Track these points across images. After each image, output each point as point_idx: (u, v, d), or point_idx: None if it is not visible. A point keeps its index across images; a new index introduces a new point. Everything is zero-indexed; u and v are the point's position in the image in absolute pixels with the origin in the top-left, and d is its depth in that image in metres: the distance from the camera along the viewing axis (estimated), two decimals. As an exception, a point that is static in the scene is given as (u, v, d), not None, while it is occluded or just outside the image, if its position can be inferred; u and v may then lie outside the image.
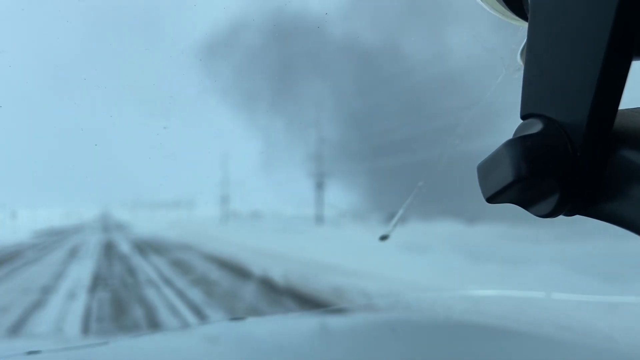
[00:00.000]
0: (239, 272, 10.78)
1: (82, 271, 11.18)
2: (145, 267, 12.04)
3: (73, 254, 15.85)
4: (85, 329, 6.03)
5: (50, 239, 23.33)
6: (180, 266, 12.19)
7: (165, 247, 17.90)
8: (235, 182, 39.60)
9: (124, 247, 18.58)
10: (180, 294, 8.04)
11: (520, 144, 0.32)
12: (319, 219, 28.39)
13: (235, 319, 1.52)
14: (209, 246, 17.45)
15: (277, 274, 9.99)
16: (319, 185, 29.57)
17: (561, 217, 0.33)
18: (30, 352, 1.10)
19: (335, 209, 29.46)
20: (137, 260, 13.63)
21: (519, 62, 0.44)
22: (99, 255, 15.18)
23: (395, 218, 1.08)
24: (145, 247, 18.27)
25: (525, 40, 0.35)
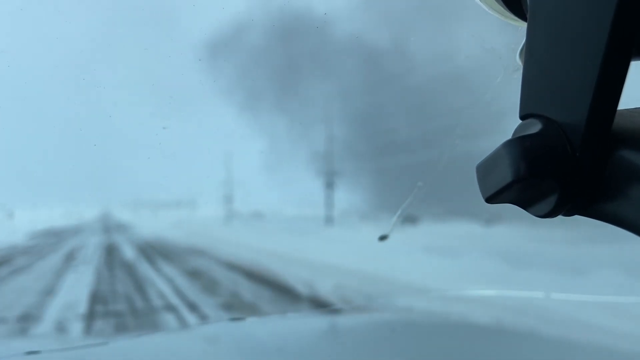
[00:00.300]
0: (278, 288, 8.40)
1: (77, 287, 8.85)
2: (157, 281, 9.53)
3: (69, 260, 13.69)
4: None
5: (47, 241, 21.15)
6: (200, 278, 9.76)
7: (174, 252, 15.78)
8: (237, 182, 39.60)
9: (128, 251, 16.35)
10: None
11: (519, 144, 0.32)
12: (329, 220, 27.93)
13: (235, 319, 1.52)
14: (223, 251, 15.48)
15: (327, 290, 7.86)
16: (329, 185, 28.94)
17: (586, 219, 0.33)
18: (30, 352, 1.10)
19: (341, 208, 29.21)
20: (145, 270, 11.25)
21: (519, 62, 0.44)
22: (99, 263, 12.79)
23: (395, 218, 1.08)
24: (152, 251, 16.15)
25: (524, 40, 0.35)
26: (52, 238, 23.34)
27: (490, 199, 0.34)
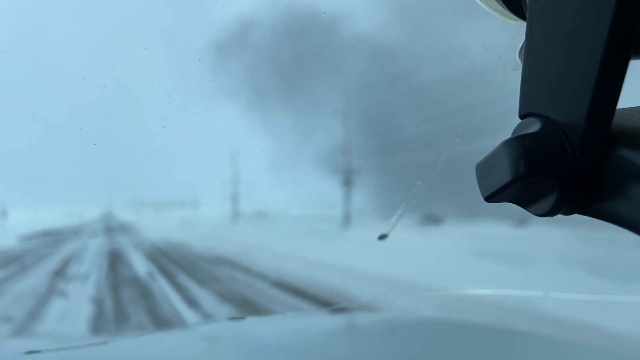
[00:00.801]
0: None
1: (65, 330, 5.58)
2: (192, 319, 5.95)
3: (60, 275, 10.07)
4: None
5: (39, 245, 17.54)
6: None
7: (196, 263, 11.93)
8: (240, 181, 39.43)
9: (137, 261, 12.43)
10: None
11: (518, 143, 0.32)
12: (347, 220, 27.18)
13: (234, 318, 1.52)
14: (257, 260, 11.53)
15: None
16: (347, 183, 28.12)
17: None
18: (30, 352, 1.10)
19: (346, 209, 28.85)
20: (168, 299, 7.23)
21: (519, 62, 0.44)
22: (99, 283, 9.04)
23: (395, 217, 1.08)
24: (166, 261, 12.30)
25: (523, 39, 0.35)
26: (46, 242, 19.71)
27: (489, 198, 0.34)
